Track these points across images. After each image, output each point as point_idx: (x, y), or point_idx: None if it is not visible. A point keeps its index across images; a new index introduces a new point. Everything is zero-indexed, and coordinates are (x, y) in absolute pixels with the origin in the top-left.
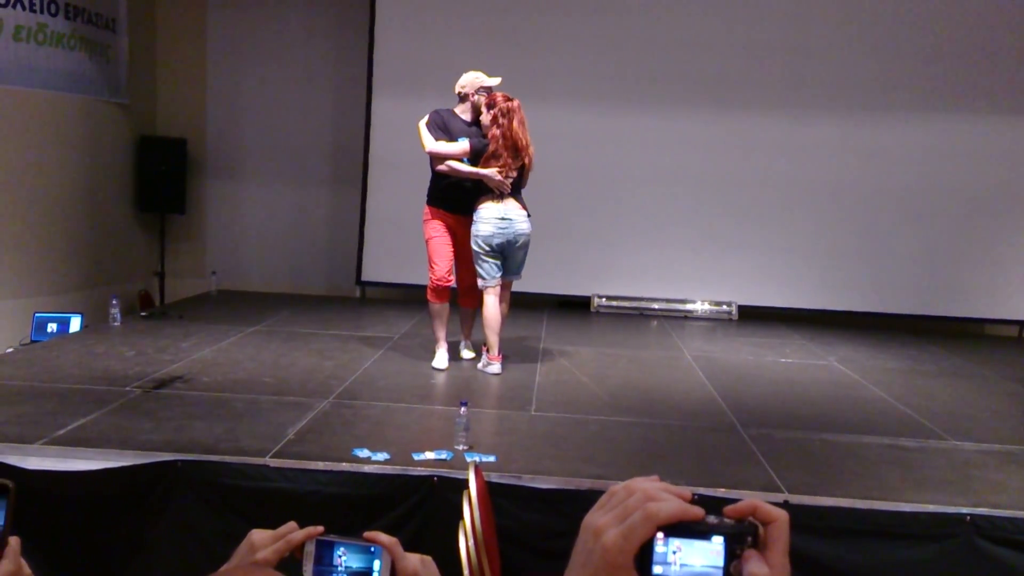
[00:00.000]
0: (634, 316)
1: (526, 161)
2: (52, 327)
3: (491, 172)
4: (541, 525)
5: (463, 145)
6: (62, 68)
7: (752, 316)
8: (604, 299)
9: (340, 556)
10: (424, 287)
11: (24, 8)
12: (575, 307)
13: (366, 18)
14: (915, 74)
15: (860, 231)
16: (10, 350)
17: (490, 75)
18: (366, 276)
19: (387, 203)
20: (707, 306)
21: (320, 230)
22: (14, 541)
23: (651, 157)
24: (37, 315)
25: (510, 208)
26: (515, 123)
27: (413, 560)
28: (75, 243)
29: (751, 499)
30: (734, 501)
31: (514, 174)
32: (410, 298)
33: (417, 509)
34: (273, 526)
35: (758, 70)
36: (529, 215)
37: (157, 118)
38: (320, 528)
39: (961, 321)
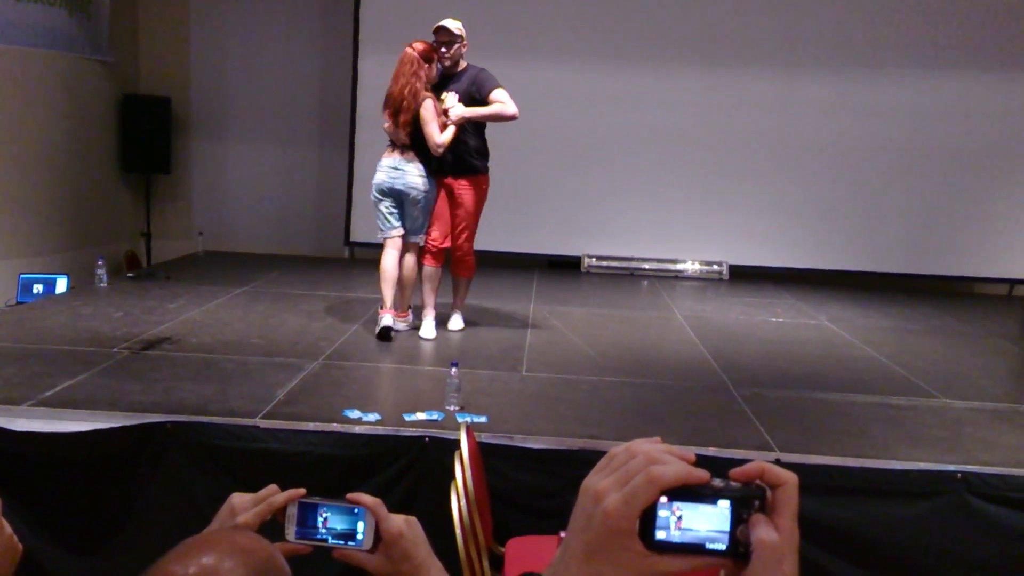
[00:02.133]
0: (625, 276)
1: (403, 118)
2: (38, 288)
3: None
4: (533, 485)
5: None
6: (41, 24)
7: (743, 276)
8: (595, 259)
9: (323, 518)
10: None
11: None
12: (565, 267)
13: None
14: (907, 32)
15: (851, 190)
16: None
17: (463, 25)
18: (355, 237)
19: (375, 163)
20: (698, 266)
21: (308, 190)
22: None
23: (642, 116)
24: (22, 276)
25: (403, 160)
26: (395, 73)
27: (397, 521)
28: (59, 204)
29: (759, 461)
30: (739, 463)
31: (400, 128)
32: None
33: (408, 470)
34: (263, 487)
35: (750, 28)
36: (428, 176)
37: (140, 76)
38: (302, 491)
39: (952, 279)
